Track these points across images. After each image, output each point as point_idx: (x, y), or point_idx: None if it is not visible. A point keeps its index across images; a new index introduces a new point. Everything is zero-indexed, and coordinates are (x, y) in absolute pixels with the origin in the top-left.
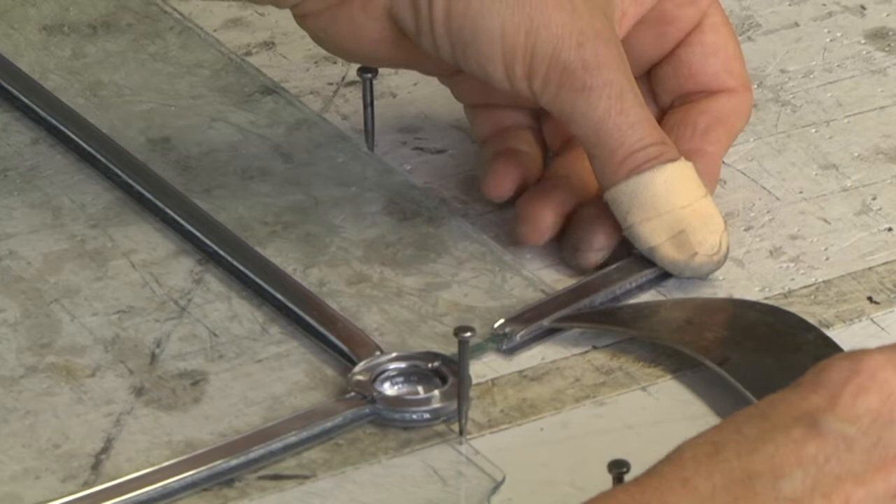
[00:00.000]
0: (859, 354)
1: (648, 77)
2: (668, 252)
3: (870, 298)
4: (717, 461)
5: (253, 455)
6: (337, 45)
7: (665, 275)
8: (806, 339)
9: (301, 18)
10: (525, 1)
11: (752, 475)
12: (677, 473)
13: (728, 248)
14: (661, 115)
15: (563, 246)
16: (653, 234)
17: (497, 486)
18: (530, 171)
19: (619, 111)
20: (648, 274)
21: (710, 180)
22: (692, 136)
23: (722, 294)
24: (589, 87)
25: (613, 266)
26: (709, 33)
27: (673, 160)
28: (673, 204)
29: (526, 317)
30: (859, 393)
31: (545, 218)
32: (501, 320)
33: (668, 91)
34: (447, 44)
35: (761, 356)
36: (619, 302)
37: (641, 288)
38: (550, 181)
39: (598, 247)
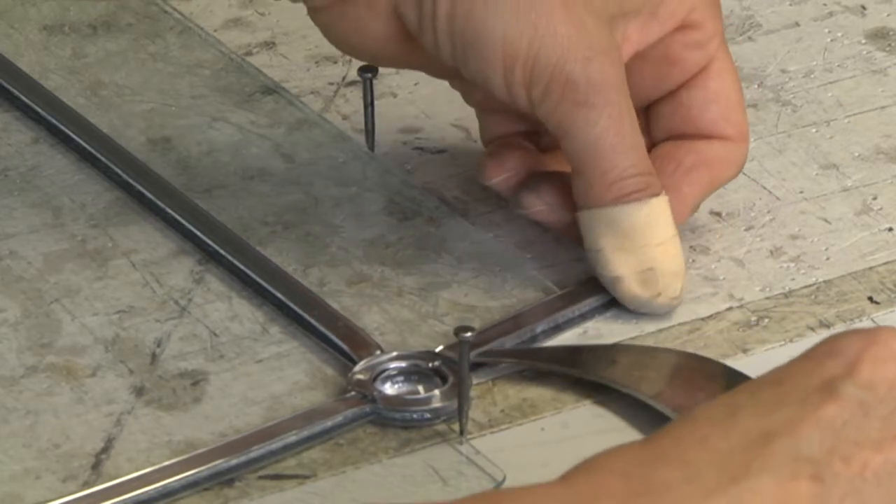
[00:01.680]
0: (869, 328)
1: (646, 112)
2: (631, 286)
3: (870, 298)
4: (735, 421)
5: (253, 455)
6: (343, 40)
7: (609, 304)
8: (735, 383)
9: (312, 11)
10: (531, 8)
11: (770, 435)
12: (693, 432)
13: (683, 292)
14: (651, 147)
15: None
16: (622, 264)
17: (497, 485)
18: (530, 164)
19: (617, 133)
20: (592, 302)
21: (677, 220)
22: (674, 171)
23: (722, 294)
24: (591, 104)
25: (556, 294)
26: (713, 79)
27: (658, 193)
28: (648, 240)
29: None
30: (877, 362)
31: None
32: (441, 346)
33: (664, 130)
34: (448, 44)
35: (694, 393)
36: (563, 330)
37: (584, 317)
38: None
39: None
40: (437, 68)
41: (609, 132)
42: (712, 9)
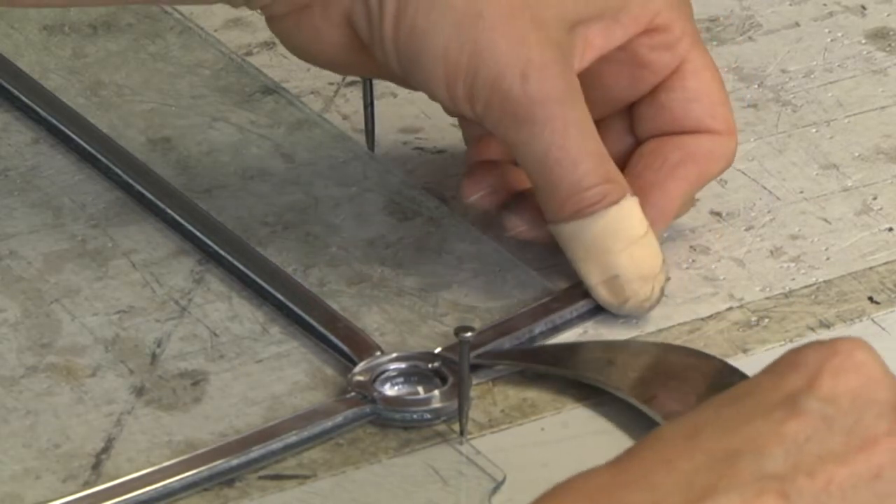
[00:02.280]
0: (830, 340)
1: (629, 113)
2: (601, 293)
3: (870, 298)
4: (698, 441)
5: (253, 455)
6: (301, 49)
7: (601, 307)
8: (731, 382)
9: (269, 20)
10: (472, 23)
11: (733, 454)
12: (658, 455)
13: (662, 291)
14: (637, 145)
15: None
16: (589, 274)
17: (497, 485)
18: (506, 180)
19: (561, 147)
20: (591, 303)
21: (663, 217)
22: (660, 168)
23: (722, 294)
24: (532, 120)
25: (555, 295)
26: (690, 79)
27: (616, 201)
28: (609, 248)
29: None
30: (838, 374)
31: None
32: (439, 348)
33: (648, 130)
34: (395, 56)
35: (687, 396)
36: (562, 331)
37: (583, 317)
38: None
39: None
40: (392, 77)
41: (552, 147)
42: (680, 10)
